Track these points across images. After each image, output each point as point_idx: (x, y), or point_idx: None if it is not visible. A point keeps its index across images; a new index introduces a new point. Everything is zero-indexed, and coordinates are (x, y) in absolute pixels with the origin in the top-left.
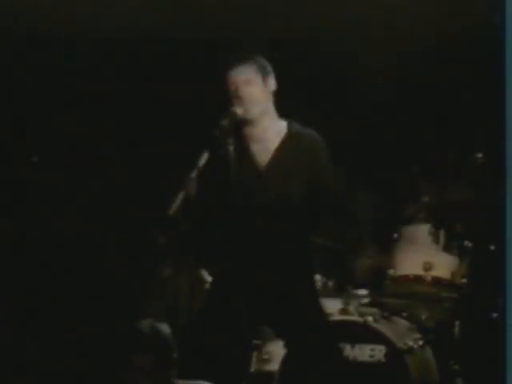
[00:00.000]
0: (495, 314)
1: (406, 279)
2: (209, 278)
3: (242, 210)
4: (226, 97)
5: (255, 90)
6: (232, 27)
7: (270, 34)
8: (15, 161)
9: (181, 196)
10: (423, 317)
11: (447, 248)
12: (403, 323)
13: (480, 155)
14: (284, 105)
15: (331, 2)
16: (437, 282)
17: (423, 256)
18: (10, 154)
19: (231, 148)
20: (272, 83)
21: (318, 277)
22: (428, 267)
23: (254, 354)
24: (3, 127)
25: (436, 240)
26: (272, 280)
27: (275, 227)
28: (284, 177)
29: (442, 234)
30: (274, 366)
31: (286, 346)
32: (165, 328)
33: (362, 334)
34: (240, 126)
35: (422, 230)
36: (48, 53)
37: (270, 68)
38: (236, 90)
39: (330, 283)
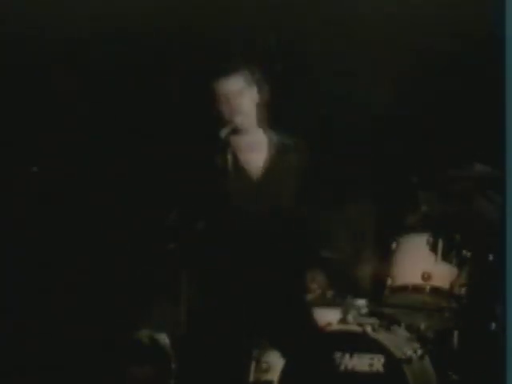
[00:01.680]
0: (494, 324)
1: (405, 289)
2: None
3: (238, 218)
4: (216, 107)
5: (248, 101)
6: (232, 38)
7: (270, 46)
8: (15, 171)
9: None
10: (422, 326)
11: (446, 258)
12: (402, 333)
13: (479, 165)
14: (283, 115)
15: (332, 14)
16: (435, 291)
17: (422, 266)
18: (9, 163)
19: (229, 158)
20: (258, 95)
21: (315, 286)
22: (427, 277)
23: (253, 364)
24: (3, 136)
25: (435, 250)
26: (268, 287)
27: (271, 235)
28: (278, 186)
29: (440, 243)
30: (273, 375)
31: (283, 356)
32: (163, 338)
33: (361, 343)
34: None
35: (421, 240)
36: (48, 60)
37: (255, 80)
38: (229, 101)
39: (329, 293)
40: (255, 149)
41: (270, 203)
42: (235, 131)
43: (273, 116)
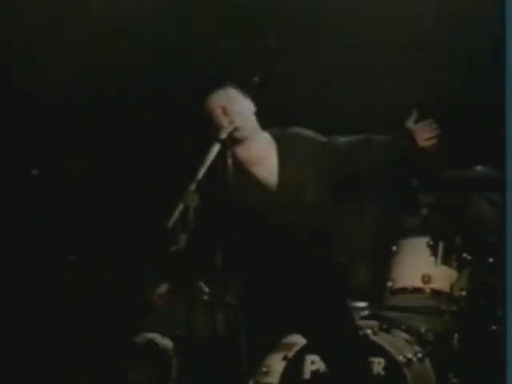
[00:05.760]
0: (494, 327)
1: (405, 292)
2: (207, 290)
3: (266, 230)
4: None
5: (243, 107)
6: (232, 39)
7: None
8: (16, 173)
9: (179, 209)
10: (422, 329)
11: (446, 261)
12: (402, 336)
13: (479, 167)
14: (282, 117)
15: (332, 14)
16: (436, 294)
17: (422, 269)
18: (10, 166)
19: (230, 161)
20: (252, 105)
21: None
22: (427, 280)
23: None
24: (3, 139)
25: (435, 253)
26: (300, 291)
27: (302, 240)
28: (298, 185)
29: (440, 246)
30: (273, 378)
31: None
32: (165, 342)
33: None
34: (235, 151)
35: (421, 243)
36: (48, 62)
37: (247, 91)
38: (225, 109)
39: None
40: (264, 157)
41: (293, 205)
42: (239, 139)
43: (274, 115)
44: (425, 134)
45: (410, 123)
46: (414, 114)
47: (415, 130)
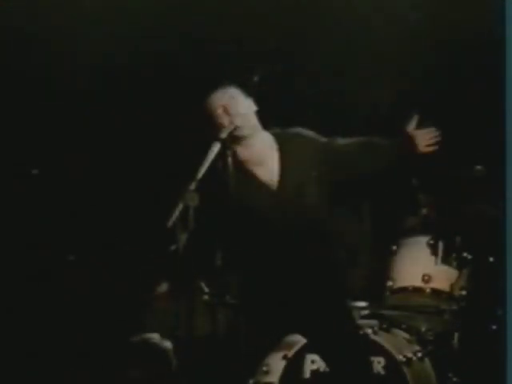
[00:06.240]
0: (495, 326)
1: (405, 291)
2: (207, 290)
3: (266, 230)
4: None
5: (243, 106)
6: (232, 40)
7: (271, 47)
8: (16, 173)
9: (179, 208)
10: (422, 329)
11: (446, 260)
12: (402, 335)
13: (479, 167)
14: (282, 117)
15: (331, 14)
16: (436, 294)
17: (422, 268)
18: (10, 166)
19: (230, 160)
20: (253, 105)
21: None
22: (427, 279)
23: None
24: (3, 139)
25: (435, 252)
26: (300, 291)
27: (302, 240)
28: (299, 185)
29: (440, 246)
30: (273, 377)
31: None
32: (165, 342)
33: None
34: (236, 150)
35: (421, 242)
36: (48, 63)
37: (248, 91)
38: (226, 108)
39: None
40: (265, 158)
41: (293, 206)
42: (240, 138)
43: (274, 115)
44: (425, 140)
45: (410, 128)
46: (415, 118)
47: (416, 135)
